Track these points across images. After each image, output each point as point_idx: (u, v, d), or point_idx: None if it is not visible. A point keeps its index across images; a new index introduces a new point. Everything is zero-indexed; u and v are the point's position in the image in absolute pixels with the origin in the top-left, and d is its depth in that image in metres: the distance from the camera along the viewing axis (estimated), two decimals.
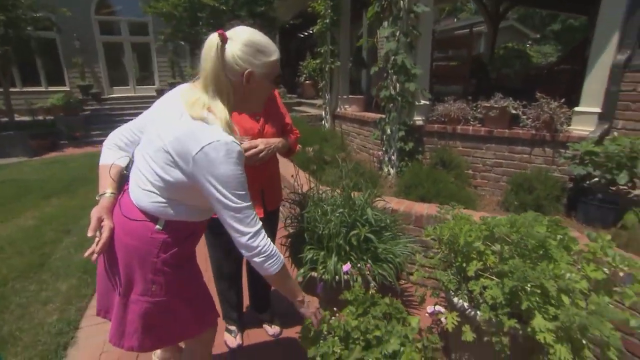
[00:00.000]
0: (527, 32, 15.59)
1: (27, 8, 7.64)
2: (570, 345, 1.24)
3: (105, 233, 1.05)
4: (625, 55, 2.69)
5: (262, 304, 2.07)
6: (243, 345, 1.93)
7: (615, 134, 2.74)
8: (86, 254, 1.06)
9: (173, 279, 1.10)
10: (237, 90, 1.03)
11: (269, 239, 1.06)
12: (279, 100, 1.74)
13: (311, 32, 6.07)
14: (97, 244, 1.05)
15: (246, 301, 2.06)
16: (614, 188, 2.59)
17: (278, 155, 1.74)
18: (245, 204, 0.99)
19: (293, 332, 2.02)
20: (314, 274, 1.80)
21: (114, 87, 11.23)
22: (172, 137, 0.97)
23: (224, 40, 0.97)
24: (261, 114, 1.59)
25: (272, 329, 2.00)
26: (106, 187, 1.13)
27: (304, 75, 9.03)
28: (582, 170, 2.59)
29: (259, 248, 1.02)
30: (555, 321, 1.21)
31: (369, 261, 1.72)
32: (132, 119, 1.18)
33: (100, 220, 1.07)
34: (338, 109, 5.59)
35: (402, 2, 3.22)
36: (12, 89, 9.19)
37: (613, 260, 1.32)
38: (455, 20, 14.29)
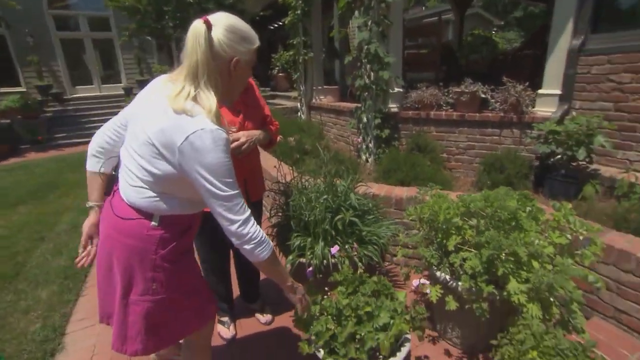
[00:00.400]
0: (492, 19, 16.15)
1: None
2: (540, 305, 1.37)
3: (94, 249, 1.18)
4: (580, 40, 2.88)
5: (253, 294, 2.10)
6: (237, 336, 1.97)
7: (574, 113, 2.95)
8: (79, 265, 1.20)
9: (172, 274, 1.09)
10: (223, 78, 1.02)
11: (258, 225, 1.06)
12: (258, 92, 1.76)
13: (282, 23, 6.00)
14: (86, 257, 1.19)
15: (236, 292, 2.10)
16: (574, 164, 2.80)
17: (259, 148, 1.77)
18: (233, 192, 0.99)
19: (285, 319, 2.07)
20: (303, 259, 1.85)
21: (77, 87, 10.61)
22: (157, 129, 0.96)
23: (209, 27, 0.96)
24: (241, 107, 1.61)
25: (264, 318, 2.04)
26: (92, 199, 1.20)
27: (277, 68, 8.94)
28: (546, 149, 2.78)
29: (249, 235, 1.02)
30: (527, 283, 1.33)
31: (350, 242, 1.79)
32: (100, 120, 1.18)
33: (89, 238, 1.22)
34: (313, 100, 5.62)
35: None
36: None
37: (574, 226, 1.46)
38: (423, 8, 14.54)
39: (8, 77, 9.85)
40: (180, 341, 1.44)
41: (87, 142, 1.22)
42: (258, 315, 2.07)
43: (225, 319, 1.99)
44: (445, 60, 4.78)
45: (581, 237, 1.47)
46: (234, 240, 1.03)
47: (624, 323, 1.71)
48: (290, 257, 1.85)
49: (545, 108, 3.12)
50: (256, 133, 1.59)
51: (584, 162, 2.78)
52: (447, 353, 1.77)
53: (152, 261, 1.05)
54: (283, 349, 1.86)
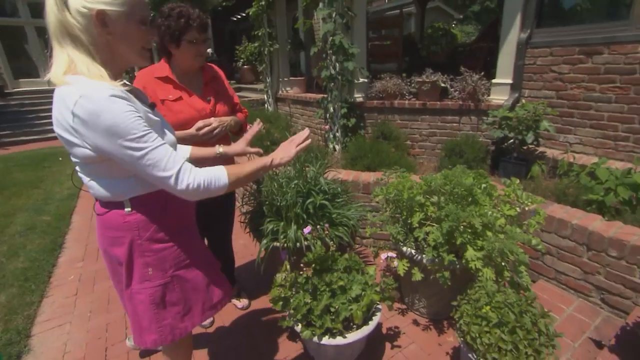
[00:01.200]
0: (452, 13, 16.80)
1: None
2: (494, 269, 1.53)
3: None
4: (527, 33, 3.13)
5: (230, 279, 2.13)
6: (215, 322, 1.99)
7: (523, 101, 3.22)
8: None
9: (166, 255, 1.07)
10: (97, 39, 0.89)
11: (195, 168, 0.96)
12: (226, 82, 1.79)
13: (246, 14, 5.89)
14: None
15: None
16: (525, 147, 3.07)
17: (230, 135, 1.80)
18: (151, 146, 0.89)
19: (261, 302, 2.13)
20: (277, 244, 1.90)
21: (20, 80, 9.76)
22: (54, 119, 0.89)
23: None
24: (212, 94, 1.64)
25: (240, 303, 2.08)
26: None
27: (242, 60, 8.77)
28: (500, 134, 3.01)
29: (190, 185, 0.92)
30: (482, 251, 1.48)
31: (321, 224, 1.87)
32: (50, 116, 0.97)
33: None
34: (280, 92, 5.61)
35: None
36: None
37: (521, 199, 1.63)
38: (386, 1, 14.81)
39: None
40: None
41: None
42: (235, 301, 2.10)
43: None
44: (407, 51, 4.97)
45: (526, 209, 1.65)
46: (184, 197, 0.96)
47: (563, 283, 1.95)
48: (265, 242, 1.89)
49: (499, 96, 3.37)
50: (227, 119, 1.64)
51: (533, 145, 3.05)
52: (415, 322, 1.91)
53: (140, 246, 1.04)
54: (261, 330, 1.92)
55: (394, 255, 1.58)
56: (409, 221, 1.72)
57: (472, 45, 4.74)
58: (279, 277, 1.53)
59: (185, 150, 1.28)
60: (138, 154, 0.87)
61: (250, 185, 2.17)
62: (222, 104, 1.68)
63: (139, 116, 0.89)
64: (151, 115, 0.98)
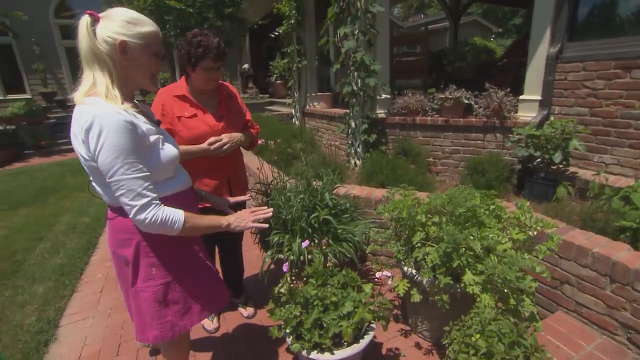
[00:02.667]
0: (490, 27, 16.35)
1: None
2: (498, 296, 1.46)
3: None
4: (557, 48, 2.99)
5: (237, 289, 2.21)
6: (220, 328, 2.07)
7: (552, 118, 3.05)
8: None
9: (169, 257, 1.16)
10: (117, 64, 1.04)
11: (162, 206, 1.05)
12: (240, 99, 1.91)
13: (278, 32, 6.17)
14: None
15: None
16: (554, 167, 2.89)
17: (242, 150, 1.92)
18: (129, 176, 0.99)
19: (266, 312, 2.16)
20: (281, 255, 1.95)
21: None
22: (71, 134, 1.03)
23: (94, 18, 1.02)
24: (225, 112, 1.76)
25: (246, 311, 2.14)
26: None
27: (275, 75, 9.12)
28: (525, 152, 2.87)
29: (148, 219, 1.01)
30: (482, 275, 1.43)
31: (325, 239, 1.89)
32: None
33: None
34: (307, 107, 5.75)
35: (359, 3, 3.41)
36: None
37: (529, 222, 1.56)
38: (422, 16, 14.78)
39: (14, 84, 10.17)
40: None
41: None
42: (241, 309, 2.17)
43: None
44: (435, 67, 4.91)
45: (534, 233, 1.56)
46: (138, 226, 1.05)
47: (584, 316, 1.79)
48: (270, 252, 1.95)
49: (527, 113, 3.22)
50: (237, 135, 1.75)
51: (562, 165, 2.87)
52: (418, 346, 1.85)
53: (145, 248, 1.14)
54: (263, 340, 1.95)
55: (390, 274, 1.56)
56: (411, 238, 1.70)
57: (501, 60, 4.59)
58: (276, 288, 1.57)
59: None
60: (118, 176, 0.98)
61: (262, 198, 2.25)
62: (234, 121, 1.80)
63: (136, 144, 1.00)
64: (152, 132, 1.10)
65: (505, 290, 1.43)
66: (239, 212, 1.33)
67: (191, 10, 7.70)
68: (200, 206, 1.73)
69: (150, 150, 1.07)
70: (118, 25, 1.02)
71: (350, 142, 3.95)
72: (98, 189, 1.12)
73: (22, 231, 3.62)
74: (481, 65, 4.46)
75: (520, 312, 1.40)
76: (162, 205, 1.06)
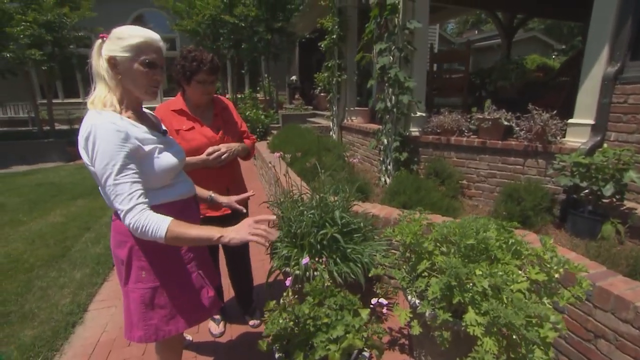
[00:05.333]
0: (552, 43, 15.16)
1: (70, 29, 8.47)
2: (506, 342, 1.32)
3: None
4: (616, 67, 2.70)
5: (246, 299, 2.24)
6: (225, 333, 2.11)
7: (605, 145, 2.74)
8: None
9: (159, 263, 1.21)
10: (112, 78, 1.12)
11: (145, 212, 1.06)
12: (234, 112, 1.97)
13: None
14: None
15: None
16: (606, 200, 2.57)
17: (239, 160, 1.97)
18: (120, 181, 1.04)
19: None
20: (288, 269, 1.95)
21: None
22: (78, 140, 1.11)
23: (104, 40, 1.13)
24: (221, 124, 1.84)
25: (252, 321, 2.16)
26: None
27: (319, 88, 9.30)
28: (569, 182, 2.60)
29: (132, 224, 1.05)
30: (486, 316, 1.30)
31: (334, 257, 1.86)
32: None
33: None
34: (345, 120, 5.77)
35: (396, 19, 3.38)
36: (54, 100, 10.10)
37: (550, 263, 1.40)
38: (476, 32, 14.19)
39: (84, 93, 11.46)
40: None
41: None
42: (247, 318, 2.19)
43: (217, 316, 2.16)
44: (479, 86, 4.66)
45: (556, 275, 1.40)
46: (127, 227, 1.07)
47: None
48: (276, 264, 1.96)
49: (576, 138, 2.93)
50: (235, 145, 1.82)
51: (615, 199, 2.54)
52: None
53: (137, 251, 1.20)
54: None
55: (385, 302, 1.48)
56: (416, 268, 1.61)
57: (551, 79, 4.22)
58: (271, 303, 1.57)
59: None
60: (109, 181, 1.05)
61: (274, 209, 2.28)
62: (230, 132, 1.87)
63: (127, 151, 1.06)
64: (150, 141, 1.16)
65: (514, 337, 1.29)
66: (239, 223, 1.25)
67: (243, 25, 8.18)
68: (219, 214, 1.80)
69: (144, 158, 1.12)
70: (110, 42, 1.11)
71: (381, 159, 3.87)
72: (101, 192, 1.17)
73: (75, 220, 4.04)
74: (528, 84, 4.14)
75: None
76: (148, 211, 1.07)
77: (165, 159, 1.19)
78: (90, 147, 1.05)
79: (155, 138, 1.19)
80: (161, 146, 1.20)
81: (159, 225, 1.05)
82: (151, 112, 1.36)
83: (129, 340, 1.28)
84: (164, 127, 1.34)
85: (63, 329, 2.15)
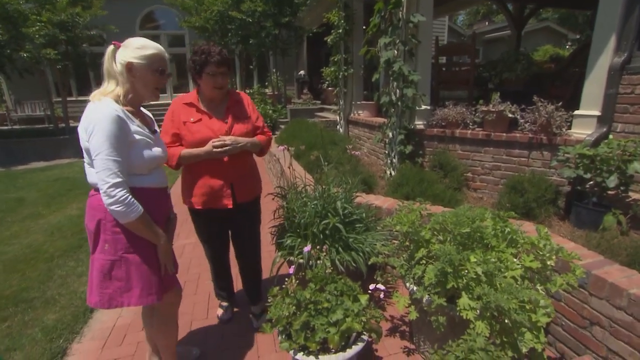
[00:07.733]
0: (565, 33, 14.73)
1: (83, 27, 8.68)
2: (499, 327, 1.38)
3: None
4: (623, 57, 2.67)
5: (254, 295, 2.22)
6: (232, 321, 2.21)
7: (611, 136, 2.72)
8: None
9: (124, 238, 1.32)
10: (126, 80, 1.34)
11: (128, 194, 1.25)
12: (249, 106, 1.95)
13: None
14: None
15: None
16: (612, 192, 2.57)
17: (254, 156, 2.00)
18: (111, 157, 1.22)
19: None
20: (292, 258, 2.04)
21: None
22: (80, 122, 1.31)
23: (117, 47, 1.34)
24: (230, 117, 1.84)
25: (257, 323, 2.12)
26: None
27: (327, 82, 9.31)
28: (572, 173, 2.60)
29: (116, 197, 1.22)
30: (479, 300, 1.36)
31: (336, 246, 1.93)
32: None
33: None
34: (352, 114, 5.80)
35: (400, 13, 3.39)
36: (69, 98, 10.38)
37: (542, 251, 1.44)
38: (487, 23, 13.91)
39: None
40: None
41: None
42: (252, 319, 2.17)
43: (226, 304, 2.25)
44: (485, 79, 4.62)
45: (550, 263, 1.44)
46: (105, 199, 1.23)
47: None
48: (280, 253, 2.05)
49: (582, 130, 2.91)
50: (243, 140, 1.80)
51: (620, 191, 2.54)
52: None
53: (104, 225, 1.31)
54: (269, 338, 2.05)
55: (383, 288, 1.55)
56: (414, 256, 1.67)
57: (558, 71, 4.16)
58: (275, 289, 1.66)
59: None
60: (102, 155, 1.22)
61: (280, 200, 2.35)
62: (240, 126, 1.84)
63: (120, 134, 1.25)
64: (140, 133, 1.34)
65: (506, 321, 1.34)
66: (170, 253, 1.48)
67: (251, 20, 8.24)
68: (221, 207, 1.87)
69: (131, 145, 1.31)
70: (130, 50, 1.34)
71: (387, 152, 3.91)
72: (86, 168, 1.34)
73: None
74: (535, 76, 4.09)
75: (517, 345, 1.30)
76: (126, 196, 1.25)
77: (151, 151, 1.37)
78: (91, 125, 1.23)
79: (145, 132, 1.37)
80: (149, 141, 1.38)
81: (138, 206, 1.28)
82: (148, 113, 1.56)
83: (88, 305, 1.42)
84: (155, 128, 1.53)
85: (82, 314, 2.29)
